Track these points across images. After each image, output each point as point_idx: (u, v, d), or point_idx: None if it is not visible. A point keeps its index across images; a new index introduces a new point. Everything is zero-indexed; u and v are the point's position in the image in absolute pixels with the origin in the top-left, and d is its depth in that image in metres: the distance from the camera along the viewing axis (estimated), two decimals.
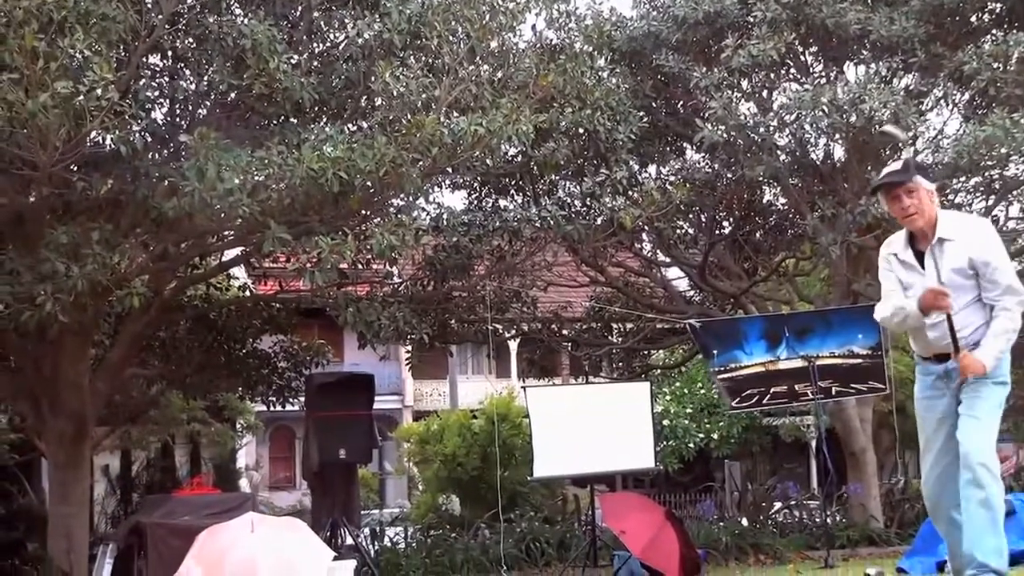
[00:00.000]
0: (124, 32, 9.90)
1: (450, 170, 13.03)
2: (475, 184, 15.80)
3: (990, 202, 15.96)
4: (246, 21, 11.13)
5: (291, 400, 17.02)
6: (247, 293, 17.32)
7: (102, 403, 14.21)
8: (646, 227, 15.74)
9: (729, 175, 15.79)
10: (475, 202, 15.91)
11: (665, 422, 29.57)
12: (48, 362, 13.13)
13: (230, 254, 14.32)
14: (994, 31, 14.53)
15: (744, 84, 15.08)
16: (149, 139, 11.66)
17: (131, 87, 10.89)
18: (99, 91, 9.18)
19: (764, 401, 14.42)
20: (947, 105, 15.60)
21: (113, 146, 10.42)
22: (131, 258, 10.83)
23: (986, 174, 14.97)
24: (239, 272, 17.92)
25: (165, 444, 22.66)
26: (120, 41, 10.06)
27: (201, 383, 16.94)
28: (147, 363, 16.06)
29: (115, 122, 9.64)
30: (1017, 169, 15.01)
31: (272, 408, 17.64)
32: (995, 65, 12.98)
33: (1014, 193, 16.07)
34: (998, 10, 14.60)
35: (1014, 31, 13.43)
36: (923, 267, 6.07)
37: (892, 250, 6.30)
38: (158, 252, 11.98)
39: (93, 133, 10.03)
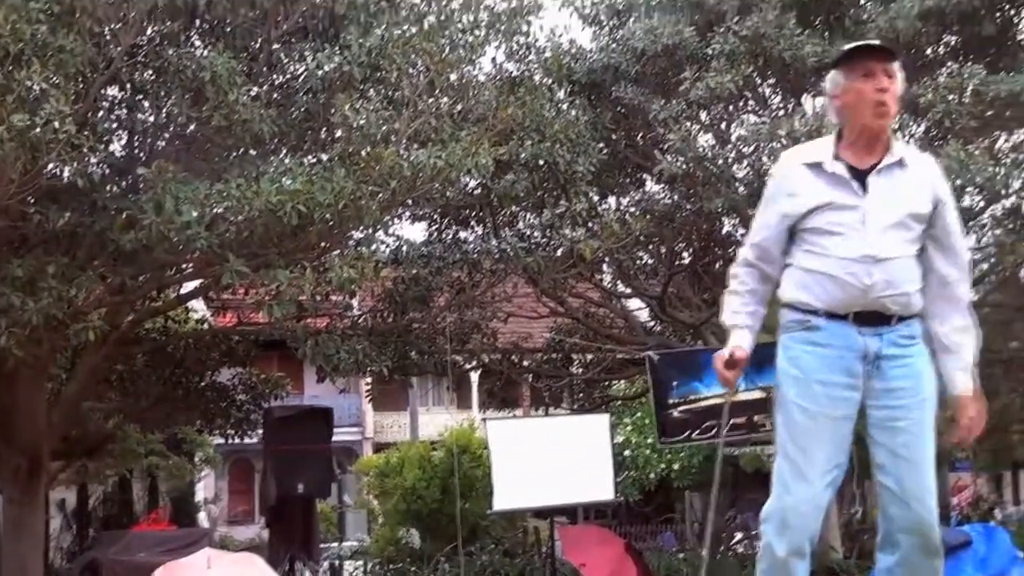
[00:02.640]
0: (82, 64, 9.85)
1: (410, 202, 13.03)
2: (435, 216, 15.79)
3: None
4: (205, 53, 11.09)
5: (249, 433, 16.93)
6: (205, 326, 17.22)
7: (58, 437, 14.09)
8: (606, 258, 15.77)
9: (688, 206, 15.81)
10: (435, 234, 15.89)
11: (626, 452, 29.61)
12: (3, 396, 13.00)
13: (188, 287, 14.24)
14: (949, 63, 14.66)
15: (703, 116, 15.15)
16: (107, 171, 11.59)
17: (89, 119, 10.83)
18: (56, 123, 9.12)
19: (723, 433, 14.38)
20: (903, 136, 15.70)
21: (70, 179, 10.36)
22: (88, 291, 10.73)
23: None
24: (198, 304, 17.83)
25: (122, 478, 22.49)
26: (78, 73, 9.98)
27: (159, 416, 16.85)
28: (104, 396, 15.94)
29: (72, 154, 9.59)
30: (972, 200, 15.11)
31: (230, 441, 17.54)
32: (950, 97, 13.08)
33: (970, 224, 16.17)
34: (953, 43, 14.74)
35: (969, 64, 13.56)
36: (864, 187, 4.31)
37: (806, 159, 4.44)
38: (115, 285, 11.88)
39: (50, 165, 9.96)
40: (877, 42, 4.61)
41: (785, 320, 4.45)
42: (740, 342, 4.42)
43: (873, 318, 4.25)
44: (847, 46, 4.53)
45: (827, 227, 4.31)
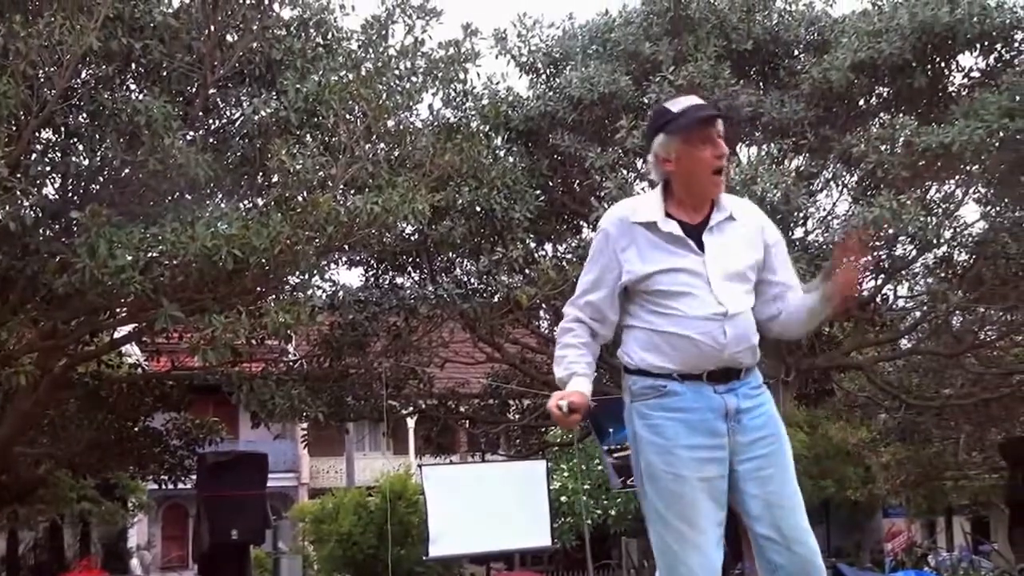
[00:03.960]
0: (15, 107, 9.78)
1: (346, 248, 13.01)
2: (371, 261, 15.77)
3: (879, 281, 16.25)
4: (141, 97, 11.05)
5: (183, 479, 16.77)
6: (139, 370, 17.07)
7: None
8: (543, 305, 15.80)
9: None
10: (371, 279, 15.88)
11: (563, 498, 29.59)
12: None
13: (122, 331, 14.12)
14: (881, 115, 14.87)
15: (638, 164, 15.23)
16: (40, 215, 11.46)
17: (22, 162, 10.74)
18: None
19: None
20: (836, 186, 15.91)
21: (2, 222, 10.25)
22: (19, 335, 10.65)
23: (875, 254, 15.24)
24: (132, 349, 17.69)
25: (53, 524, 22.22)
26: (11, 116, 9.92)
27: (91, 462, 16.66)
28: (36, 441, 15.74)
29: (5, 197, 9.51)
30: (904, 249, 15.30)
31: (164, 487, 17.38)
32: (882, 148, 13.24)
33: (902, 272, 16.37)
34: (885, 94, 14.94)
35: (900, 115, 13.76)
36: (701, 247, 4.18)
37: (639, 217, 4.24)
38: (48, 329, 11.77)
39: None
40: (713, 109, 4.47)
41: (637, 386, 4.24)
42: (579, 388, 4.23)
43: (726, 375, 4.15)
44: (681, 111, 4.30)
45: (673, 288, 4.15)
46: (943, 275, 15.83)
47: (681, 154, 4.22)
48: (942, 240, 14.82)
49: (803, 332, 4.33)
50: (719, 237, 4.19)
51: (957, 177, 14.75)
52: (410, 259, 15.69)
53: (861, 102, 15.03)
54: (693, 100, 4.39)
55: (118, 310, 12.42)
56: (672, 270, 4.14)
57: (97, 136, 11.56)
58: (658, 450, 4.16)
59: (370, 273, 16.02)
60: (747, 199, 4.62)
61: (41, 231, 11.35)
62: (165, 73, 11.47)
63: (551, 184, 15.71)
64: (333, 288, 14.62)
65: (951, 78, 14.69)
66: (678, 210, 4.23)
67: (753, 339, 4.20)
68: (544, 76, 15.95)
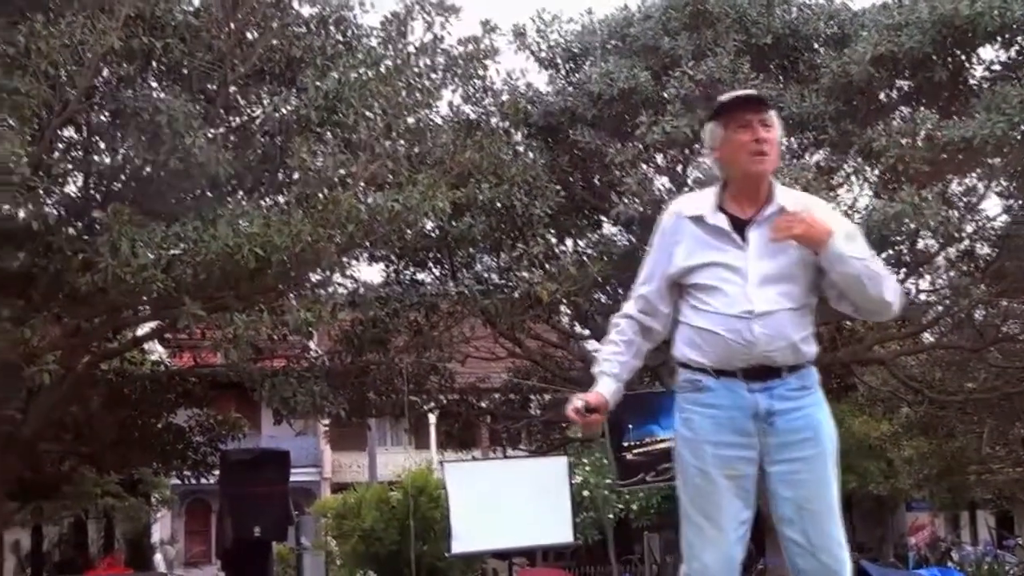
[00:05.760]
0: (37, 107, 9.83)
1: (367, 245, 13.04)
2: (392, 258, 15.78)
3: (901, 275, 16.20)
4: (162, 96, 11.10)
5: (206, 475, 16.83)
6: (162, 367, 17.13)
7: (13, 479, 13.95)
8: (564, 300, 15.78)
9: (645, 248, 15.85)
10: (393, 276, 15.88)
11: (585, 493, 29.60)
12: None
13: (145, 328, 14.17)
14: (902, 108, 14.80)
15: (659, 159, 15.23)
16: (62, 213, 11.56)
17: (44, 161, 10.79)
18: (11, 165, 9.10)
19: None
20: (857, 181, 15.80)
21: (25, 220, 10.31)
22: (43, 333, 10.68)
23: (896, 248, 15.19)
24: (154, 346, 17.76)
25: (78, 519, 22.32)
26: (33, 116, 9.97)
27: (115, 458, 16.73)
28: (60, 438, 15.82)
29: (28, 196, 9.56)
30: (926, 243, 15.24)
31: (187, 482, 17.45)
32: (903, 142, 13.18)
33: (924, 267, 16.31)
34: (906, 88, 14.87)
35: (922, 109, 13.69)
36: (745, 239, 4.16)
37: (690, 211, 4.29)
38: (71, 327, 11.82)
39: (4, 207, 9.92)
40: (752, 92, 4.49)
41: (679, 380, 4.27)
42: (600, 388, 4.26)
43: (762, 373, 4.10)
44: (721, 98, 4.35)
45: (710, 282, 4.17)
46: (965, 269, 15.77)
47: (723, 140, 4.24)
48: (964, 234, 14.77)
49: (861, 293, 4.12)
50: (766, 232, 4.13)
51: (978, 171, 14.69)
52: (431, 255, 15.69)
53: (882, 96, 14.96)
54: (743, 92, 4.42)
55: (140, 308, 12.48)
56: (711, 264, 4.15)
57: (119, 135, 11.62)
58: (687, 444, 4.19)
59: (391, 269, 16.03)
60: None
61: (64, 230, 11.42)
62: (186, 72, 11.52)
63: (571, 180, 15.70)
64: (354, 285, 14.63)
65: (972, 71, 14.59)
66: (732, 204, 4.23)
67: (793, 336, 4.12)
68: (563, 72, 15.95)
